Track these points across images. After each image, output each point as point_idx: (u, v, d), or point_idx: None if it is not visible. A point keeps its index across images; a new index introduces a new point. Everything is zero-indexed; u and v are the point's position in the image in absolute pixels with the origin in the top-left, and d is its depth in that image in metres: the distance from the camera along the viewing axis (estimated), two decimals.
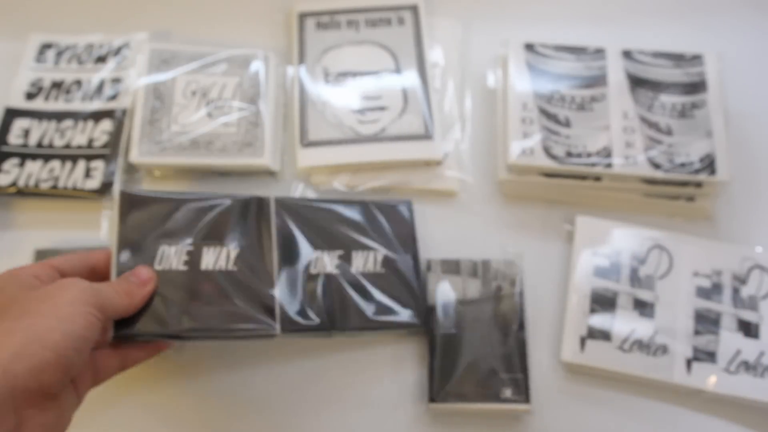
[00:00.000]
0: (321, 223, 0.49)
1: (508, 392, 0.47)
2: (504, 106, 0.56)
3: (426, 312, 0.49)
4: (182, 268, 0.44)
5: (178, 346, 0.49)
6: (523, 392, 0.47)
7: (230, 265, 0.45)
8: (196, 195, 0.47)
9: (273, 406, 0.48)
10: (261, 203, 0.48)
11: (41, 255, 0.51)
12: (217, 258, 0.45)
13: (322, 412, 0.48)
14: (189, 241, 0.45)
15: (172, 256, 0.44)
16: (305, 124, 0.55)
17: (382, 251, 0.50)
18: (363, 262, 0.49)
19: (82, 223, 0.54)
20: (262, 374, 0.49)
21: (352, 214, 0.51)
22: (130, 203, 0.45)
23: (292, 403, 0.48)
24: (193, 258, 0.44)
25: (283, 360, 0.49)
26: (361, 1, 0.61)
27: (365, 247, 0.49)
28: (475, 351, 0.48)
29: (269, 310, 0.44)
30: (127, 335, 0.41)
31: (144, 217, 0.45)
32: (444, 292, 0.50)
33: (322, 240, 0.49)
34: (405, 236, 0.51)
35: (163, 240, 0.45)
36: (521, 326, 0.49)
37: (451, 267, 0.51)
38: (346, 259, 0.49)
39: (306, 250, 0.48)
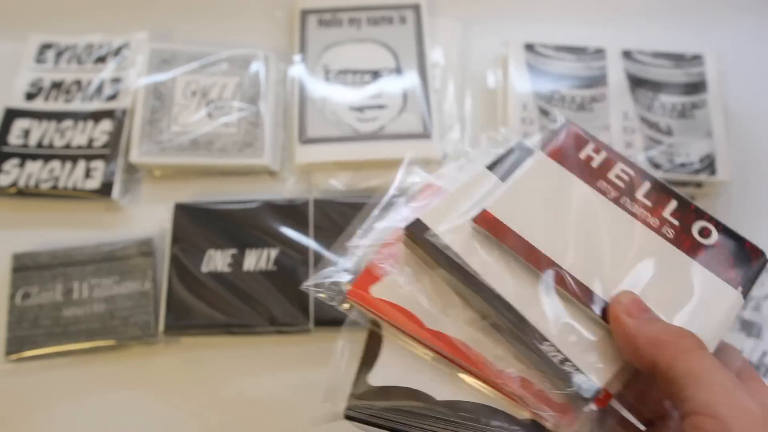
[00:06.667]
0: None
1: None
2: (504, 106, 0.56)
3: None
4: (227, 269, 0.49)
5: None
6: None
7: (270, 265, 0.50)
8: (238, 201, 0.52)
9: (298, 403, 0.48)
10: (300, 205, 0.52)
11: (19, 258, 0.51)
12: (258, 259, 0.50)
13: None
14: (233, 244, 0.50)
15: (218, 258, 0.49)
16: (304, 121, 0.55)
17: None
18: None
19: (82, 223, 0.54)
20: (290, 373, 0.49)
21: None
22: (182, 213, 0.52)
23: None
24: (236, 260, 0.50)
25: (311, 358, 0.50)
26: (364, 0, 0.61)
27: None
28: None
29: (304, 307, 0.49)
30: (177, 327, 0.48)
31: (192, 225, 0.51)
32: None
33: None
34: None
35: (209, 245, 0.50)
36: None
37: None
38: None
39: None
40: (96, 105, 0.56)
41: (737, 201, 0.55)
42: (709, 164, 0.53)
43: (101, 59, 0.59)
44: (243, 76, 0.57)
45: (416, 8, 0.60)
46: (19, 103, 0.57)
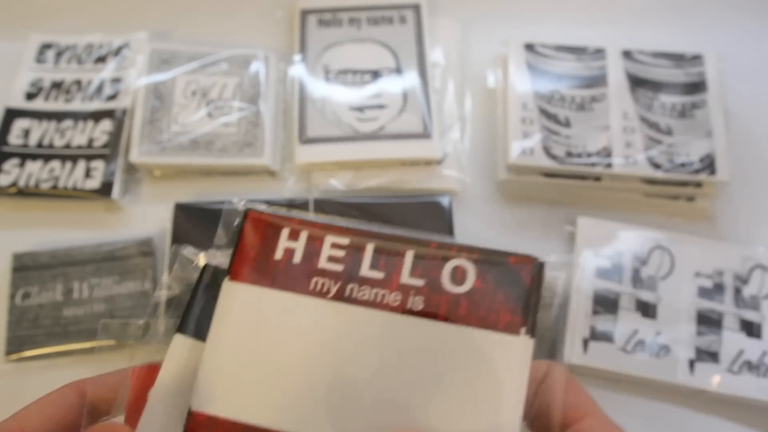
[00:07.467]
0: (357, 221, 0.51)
1: None
2: (504, 106, 0.56)
3: None
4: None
5: None
6: None
7: None
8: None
9: None
10: (300, 205, 0.52)
11: (19, 258, 0.51)
12: None
13: None
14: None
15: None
16: (304, 121, 0.55)
17: None
18: None
19: (82, 223, 0.54)
20: None
21: (389, 210, 0.52)
22: (182, 212, 0.51)
23: None
24: None
25: None
26: (364, 0, 0.61)
27: None
28: None
29: None
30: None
31: (192, 225, 0.51)
32: None
33: None
34: (442, 230, 0.52)
35: (209, 244, 0.49)
36: (554, 341, 0.48)
37: None
38: None
39: None
40: (96, 105, 0.56)
41: (737, 201, 0.55)
42: (709, 164, 0.53)
43: (101, 59, 0.59)
44: (243, 76, 0.57)
45: (416, 8, 0.60)
46: (19, 103, 0.57)
